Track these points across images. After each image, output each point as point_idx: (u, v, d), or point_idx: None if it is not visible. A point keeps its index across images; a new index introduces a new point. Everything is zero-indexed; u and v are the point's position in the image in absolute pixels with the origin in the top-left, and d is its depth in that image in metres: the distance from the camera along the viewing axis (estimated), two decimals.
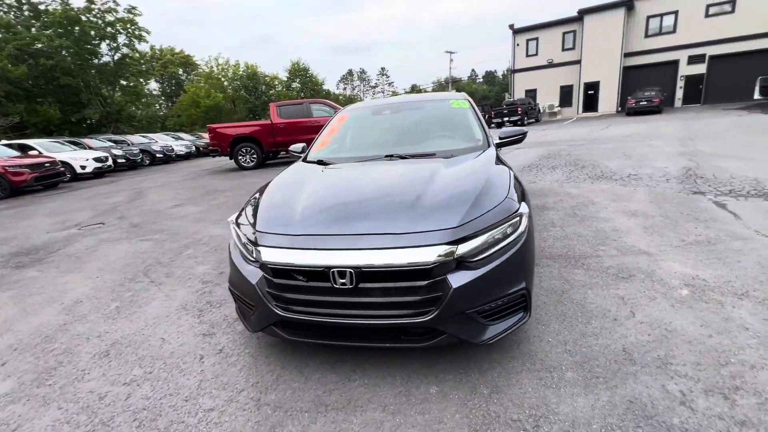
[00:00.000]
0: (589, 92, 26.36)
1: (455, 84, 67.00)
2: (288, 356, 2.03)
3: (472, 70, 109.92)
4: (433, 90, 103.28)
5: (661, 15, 23.91)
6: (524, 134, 2.86)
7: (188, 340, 2.30)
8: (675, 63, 24.10)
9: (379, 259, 1.53)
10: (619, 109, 24.96)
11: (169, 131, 28.90)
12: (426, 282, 1.52)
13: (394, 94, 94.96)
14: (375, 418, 1.59)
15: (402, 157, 2.46)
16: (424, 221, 1.63)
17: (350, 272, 1.54)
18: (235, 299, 2.01)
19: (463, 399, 1.64)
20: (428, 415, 1.57)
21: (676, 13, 23.44)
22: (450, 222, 1.60)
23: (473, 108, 3.01)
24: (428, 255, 1.51)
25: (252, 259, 1.80)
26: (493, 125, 22.92)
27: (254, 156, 11.20)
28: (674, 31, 23.71)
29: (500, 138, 2.80)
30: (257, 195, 2.27)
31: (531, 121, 23.95)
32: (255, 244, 1.78)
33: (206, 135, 15.65)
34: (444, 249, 1.52)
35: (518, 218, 1.69)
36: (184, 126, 33.49)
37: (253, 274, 1.77)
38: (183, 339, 2.32)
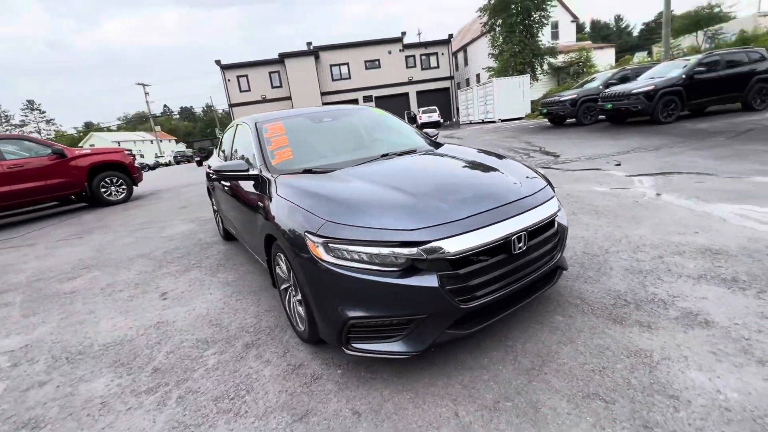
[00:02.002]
0: None
1: (155, 119, 59.19)
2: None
3: (165, 105, 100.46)
4: (124, 126, 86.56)
5: (339, 65, 31.03)
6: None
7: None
8: (355, 101, 31.89)
9: (531, 219, 1.81)
10: None
11: None
12: (554, 228, 2.01)
13: (59, 133, 72.95)
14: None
15: (399, 155, 2.69)
16: (526, 188, 2.00)
17: (524, 235, 1.79)
18: (374, 331, 1.72)
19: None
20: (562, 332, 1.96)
21: (347, 64, 31.07)
22: (540, 185, 2.14)
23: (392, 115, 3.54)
24: (551, 207, 1.98)
25: (400, 267, 1.62)
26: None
27: None
28: (350, 77, 31.35)
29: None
30: (327, 219, 1.78)
31: None
32: (421, 243, 1.61)
33: None
34: (555, 201, 2.09)
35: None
36: None
37: (422, 281, 1.60)
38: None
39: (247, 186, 2.71)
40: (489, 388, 1.68)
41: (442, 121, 27.77)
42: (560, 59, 25.01)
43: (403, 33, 31.51)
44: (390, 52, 31.15)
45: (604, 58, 27.06)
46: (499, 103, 22.26)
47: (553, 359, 1.80)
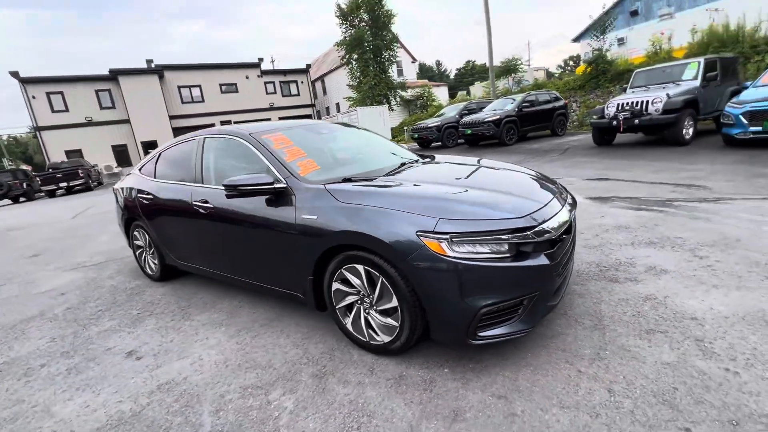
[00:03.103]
0: (150, 151, 26.32)
1: None
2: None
3: None
4: None
5: (190, 87, 28.10)
6: None
7: None
8: (212, 125, 29.26)
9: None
10: None
11: None
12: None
13: None
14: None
15: (415, 163, 2.83)
16: (557, 183, 2.51)
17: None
18: (497, 316, 1.82)
19: None
20: None
21: (200, 87, 28.43)
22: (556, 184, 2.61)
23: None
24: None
25: (512, 252, 1.77)
26: (43, 194, 17.69)
27: None
28: (203, 100, 28.69)
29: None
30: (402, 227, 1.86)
31: (95, 184, 20.54)
32: (529, 228, 1.79)
33: None
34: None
35: None
36: None
37: (537, 262, 1.78)
38: None
39: (258, 203, 2.41)
40: (582, 345, 2.00)
41: None
42: (409, 93, 28.66)
43: (260, 59, 30.88)
44: (248, 77, 29.96)
45: (440, 95, 32.27)
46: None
47: (602, 316, 2.25)
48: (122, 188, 3.84)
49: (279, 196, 2.35)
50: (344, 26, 25.73)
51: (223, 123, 29.52)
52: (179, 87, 27.82)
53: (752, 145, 6.70)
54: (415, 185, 2.18)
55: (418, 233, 1.78)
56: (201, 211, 2.82)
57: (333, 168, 2.59)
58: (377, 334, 2.08)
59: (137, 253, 3.87)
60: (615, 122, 8.57)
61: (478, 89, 36.08)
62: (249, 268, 2.69)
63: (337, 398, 1.83)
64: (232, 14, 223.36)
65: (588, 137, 11.43)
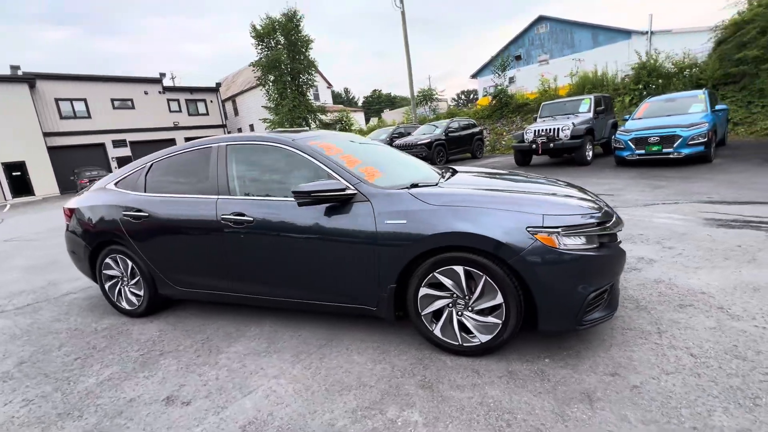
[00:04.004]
0: (15, 174, 21.53)
1: None
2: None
3: None
4: None
5: (71, 100, 24.06)
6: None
7: None
8: (102, 145, 25.36)
9: None
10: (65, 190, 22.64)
11: None
12: None
13: None
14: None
15: (450, 175, 2.90)
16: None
17: None
18: (594, 303, 1.99)
19: None
20: None
21: (85, 100, 24.54)
22: None
23: None
24: None
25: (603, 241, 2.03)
26: None
27: None
28: (89, 116, 24.79)
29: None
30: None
31: None
32: (604, 222, 2.03)
33: None
34: None
35: None
36: None
37: (618, 251, 2.09)
38: None
39: (315, 212, 2.28)
40: (641, 323, 2.29)
41: None
42: (328, 117, 28.92)
43: (162, 74, 28.12)
44: (147, 93, 26.86)
45: (358, 119, 33.29)
46: None
47: (636, 299, 2.61)
48: (84, 208, 3.15)
49: (345, 203, 2.24)
50: (260, 47, 25.14)
51: (115, 142, 25.84)
52: (57, 100, 23.59)
53: (639, 165, 8.39)
54: (487, 189, 2.30)
55: (528, 229, 1.89)
56: (232, 225, 2.50)
57: (391, 175, 2.55)
58: (473, 336, 2.09)
59: (107, 285, 3.17)
60: (534, 146, 9.95)
61: (388, 116, 38.31)
62: (300, 284, 2.45)
63: (463, 403, 1.79)
64: (112, 24, 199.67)
65: (504, 159, 12.97)
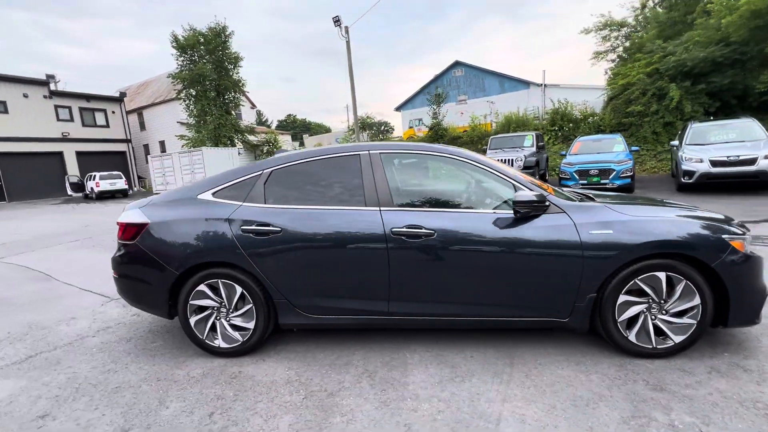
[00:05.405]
0: None
1: None
2: None
3: None
4: None
5: None
6: None
7: None
8: None
9: None
10: None
11: None
12: None
13: None
14: None
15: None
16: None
17: None
18: None
19: None
20: None
21: None
22: None
23: None
24: None
25: None
26: None
27: None
28: None
29: None
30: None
31: None
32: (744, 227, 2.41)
33: None
34: None
35: None
36: None
37: None
38: None
39: (502, 223, 2.29)
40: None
41: (129, 189, 22.63)
42: (255, 138, 27.50)
43: (50, 76, 23.64)
44: (27, 96, 22.12)
45: (285, 141, 32.38)
46: (210, 172, 21.29)
47: None
48: (168, 222, 2.52)
49: (536, 215, 2.26)
50: (182, 59, 23.09)
51: None
52: None
53: None
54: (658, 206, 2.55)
55: (725, 236, 2.16)
56: (405, 239, 2.29)
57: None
58: (665, 338, 2.24)
59: (194, 319, 2.53)
60: None
61: (310, 141, 38.35)
62: (482, 300, 2.33)
63: (709, 398, 1.90)
64: None
65: None
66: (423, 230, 2.29)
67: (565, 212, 2.27)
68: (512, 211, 2.28)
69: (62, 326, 3.25)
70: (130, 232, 2.59)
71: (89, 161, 24.59)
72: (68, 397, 2.23)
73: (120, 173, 21.97)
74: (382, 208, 2.38)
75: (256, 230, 2.41)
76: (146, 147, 29.78)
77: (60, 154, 23.75)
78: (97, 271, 5.04)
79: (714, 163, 8.05)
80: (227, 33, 23.58)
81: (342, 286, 2.42)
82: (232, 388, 2.21)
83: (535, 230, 2.24)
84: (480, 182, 2.53)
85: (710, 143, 8.78)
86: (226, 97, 24.41)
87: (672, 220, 2.24)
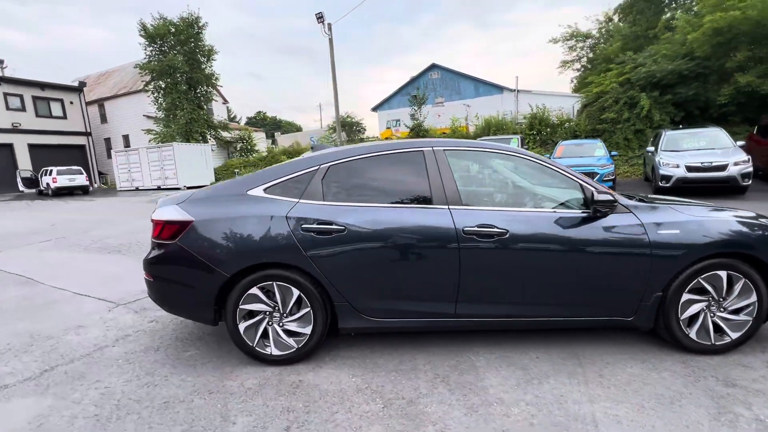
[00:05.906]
0: None
1: None
2: None
3: None
4: None
5: None
6: None
7: None
8: None
9: None
10: None
11: None
12: None
13: None
14: None
15: None
16: None
17: None
18: None
19: None
20: None
21: None
22: None
23: None
24: None
25: None
26: None
27: None
28: None
29: None
30: None
31: None
32: None
33: None
34: None
35: None
36: None
37: None
38: None
39: (567, 223, 2.30)
40: None
41: (90, 185, 21.10)
42: (228, 135, 26.47)
43: None
44: None
45: (259, 138, 31.44)
46: (182, 169, 20.43)
47: None
48: (216, 221, 2.30)
49: (602, 216, 2.28)
50: (150, 49, 21.85)
51: None
52: None
53: None
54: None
55: None
56: (477, 238, 2.23)
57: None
58: (723, 335, 2.32)
59: (243, 326, 2.33)
60: None
61: (284, 140, 37.58)
62: (551, 300, 2.32)
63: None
64: None
65: None
66: (495, 229, 2.24)
67: (631, 212, 2.29)
68: (580, 211, 2.29)
69: (70, 335, 2.92)
70: (169, 230, 2.35)
71: (44, 155, 22.71)
72: (110, 416, 1.98)
73: (80, 168, 20.43)
74: (451, 207, 2.30)
75: (318, 229, 2.26)
76: (108, 141, 27.93)
77: (10, 147, 21.77)
78: (86, 274, 4.61)
79: (689, 169, 8.60)
80: (200, 24, 22.57)
81: (408, 287, 2.32)
82: (300, 399, 2.05)
83: (604, 230, 2.26)
84: (544, 182, 2.52)
85: (683, 150, 9.37)
86: (198, 91, 23.38)
87: (730, 220, 2.32)
